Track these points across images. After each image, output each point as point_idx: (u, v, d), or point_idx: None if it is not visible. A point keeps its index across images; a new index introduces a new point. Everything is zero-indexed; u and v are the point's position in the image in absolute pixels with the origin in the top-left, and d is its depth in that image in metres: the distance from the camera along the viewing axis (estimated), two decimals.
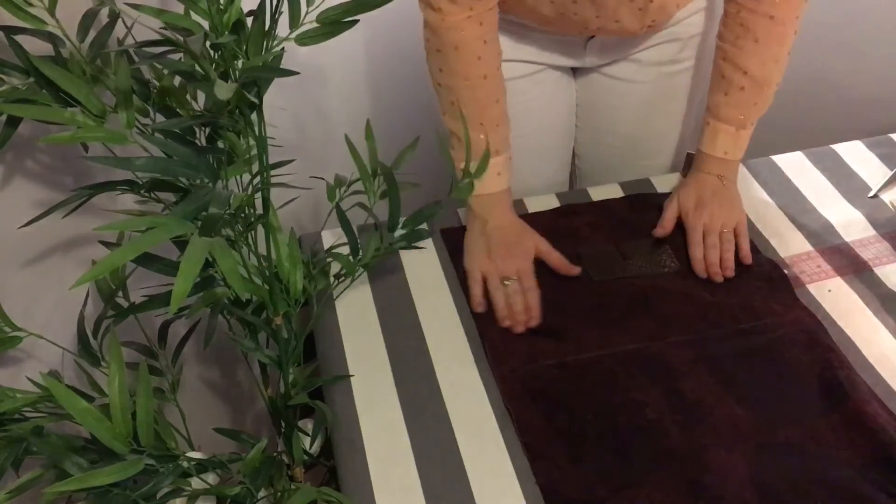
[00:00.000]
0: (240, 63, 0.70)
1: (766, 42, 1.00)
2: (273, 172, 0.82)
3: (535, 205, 1.15)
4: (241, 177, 0.84)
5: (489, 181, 1.02)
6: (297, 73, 0.70)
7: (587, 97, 1.22)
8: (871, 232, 1.10)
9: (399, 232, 1.00)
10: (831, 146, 1.24)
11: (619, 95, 1.20)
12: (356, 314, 1.01)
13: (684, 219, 1.09)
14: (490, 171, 1.01)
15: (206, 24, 0.69)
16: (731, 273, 1.03)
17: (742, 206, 1.09)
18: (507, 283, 1.00)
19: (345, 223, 0.95)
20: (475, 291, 1.01)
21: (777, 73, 1.02)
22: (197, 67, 0.68)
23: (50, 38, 0.78)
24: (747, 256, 1.05)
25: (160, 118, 0.82)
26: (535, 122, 1.20)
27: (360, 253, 0.98)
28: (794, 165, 1.21)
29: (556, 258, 1.04)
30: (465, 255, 1.05)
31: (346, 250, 0.98)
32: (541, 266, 1.05)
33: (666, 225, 1.09)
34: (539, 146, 1.22)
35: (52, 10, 0.76)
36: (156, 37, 0.70)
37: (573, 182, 1.35)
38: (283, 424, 0.98)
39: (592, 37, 1.11)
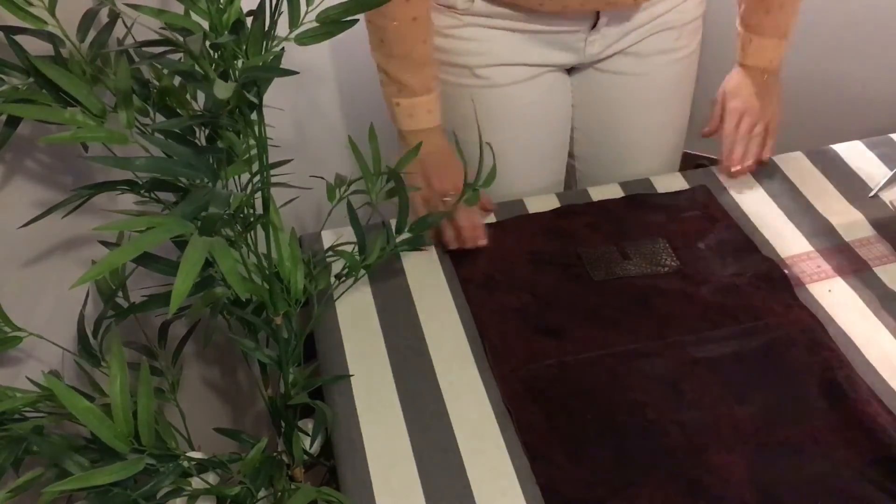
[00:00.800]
0: (239, 63, 0.70)
1: None
2: (273, 172, 0.82)
3: (536, 205, 1.15)
4: (240, 176, 0.84)
5: (421, 118, 1.05)
6: (297, 73, 0.70)
7: (585, 96, 1.22)
8: (871, 232, 1.10)
9: (404, 236, 1.00)
10: (831, 146, 1.24)
11: (617, 90, 1.20)
12: (356, 314, 1.01)
13: (725, 107, 1.17)
14: (421, 109, 1.05)
15: (205, 24, 0.69)
16: (750, 167, 1.15)
17: (780, 104, 1.16)
18: (446, 199, 1.04)
19: (354, 220, 0.95)
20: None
21: None
22: (196, 67, 0.68)
23: (50, 38, 0.78)
24: (768, 151, 1.16)
25: (160, 118, 0.83)
26: (533, 126, 1.20)
27: (367, 251, 0.98)
28: (794, 165, 1.21)
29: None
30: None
31: (349, 249, 0.98)
32: (540, 266, 1.05)
33: (713, 123, 1.18)
34: (536, 150, 1.22)
35: (52, 10, 0.76)
36: (156, 37, 0.70)
37: (573, 185, 1.35)
38: (283, 424, 0.98)
39: (596, 22, 1.10)
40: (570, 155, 1.31)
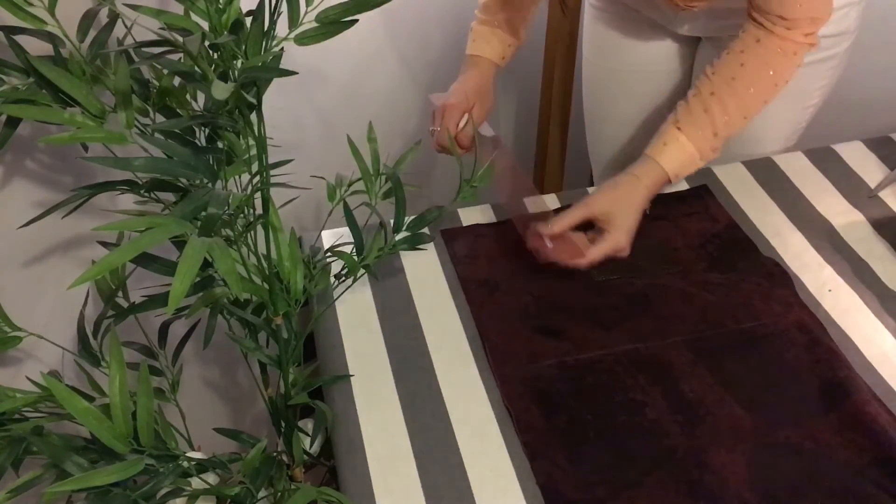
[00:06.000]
0: (239, 63, 0.70)
1: None
2: (273, 172, 0.82)
3: (536, 205, 1.15)
4: (240, 176, 0.84)
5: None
6: (296, 73, 0.70)
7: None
8: (871, 232, 1.10)
9: (402, 234, 1.00)
10: (831, 146, 1.24)
11: None
12: (356, 314, 1.01)
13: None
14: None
15: (205, 25, 0.69)
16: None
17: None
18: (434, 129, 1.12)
19: (350, 220, 0.95)
20: None
21: None
22: (196, 68, 0.68)
23: (50, 38, 0.78)
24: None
25: (160, 118, 0.83)
26: None
27: (364, 251, 0.98)
28: (794, 165, 1.21)
29: None
30: None
31: (348, 249, 0.98)
32: (540, 266, 1.05)
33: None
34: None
35: (52, 10, 0.76)
36: (155, 37, 0.70)
37: None
38: (283, 424, 0.98)
39: None
40: None
